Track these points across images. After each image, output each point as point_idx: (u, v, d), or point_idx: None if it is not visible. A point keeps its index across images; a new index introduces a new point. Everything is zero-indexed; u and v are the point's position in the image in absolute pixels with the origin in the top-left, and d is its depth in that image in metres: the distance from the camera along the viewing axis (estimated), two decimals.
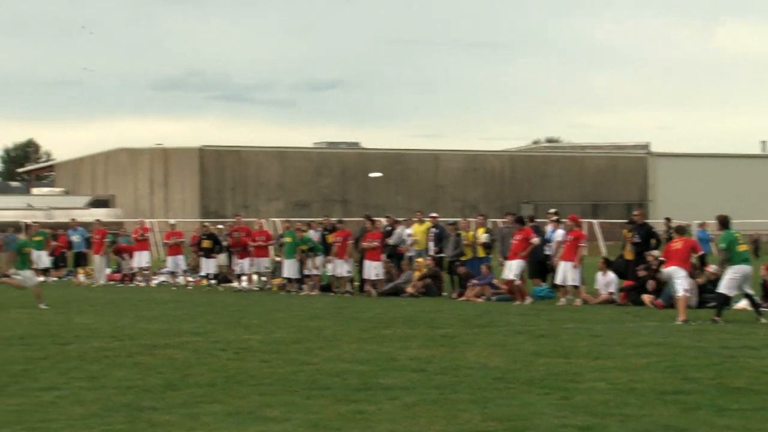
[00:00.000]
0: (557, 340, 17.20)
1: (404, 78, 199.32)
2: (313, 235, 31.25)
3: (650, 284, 24.28)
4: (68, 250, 39.75)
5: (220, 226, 36.85)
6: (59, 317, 22.01)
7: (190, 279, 35.18)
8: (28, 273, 25.51)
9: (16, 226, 48.74)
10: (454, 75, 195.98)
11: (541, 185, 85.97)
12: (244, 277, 33.06)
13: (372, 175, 76.90)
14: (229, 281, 34.05)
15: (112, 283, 36.37)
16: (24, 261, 25.61)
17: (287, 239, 31.54)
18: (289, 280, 31.24)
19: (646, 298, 24.20)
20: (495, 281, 27.31)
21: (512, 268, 25.83)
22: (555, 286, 26.39)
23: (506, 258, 26.85)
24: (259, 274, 33.16)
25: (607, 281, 25.97)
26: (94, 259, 37.54)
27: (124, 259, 37.64)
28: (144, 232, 37.02)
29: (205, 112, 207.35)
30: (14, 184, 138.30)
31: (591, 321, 20.78)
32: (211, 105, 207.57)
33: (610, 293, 25.68)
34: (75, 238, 39.09)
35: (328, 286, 30.85)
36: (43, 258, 38.43)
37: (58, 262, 39.56)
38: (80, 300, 27.74)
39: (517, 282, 25.91)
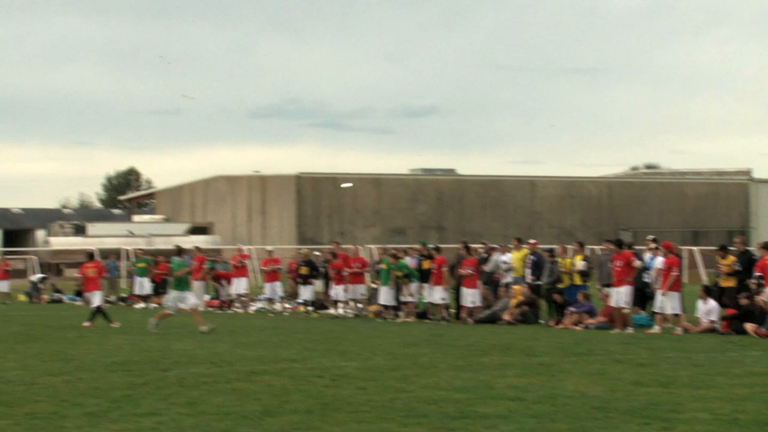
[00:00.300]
0: (658, 369, 16.93)
1: (501, 104, 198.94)
2: (410, 261, 31.25)
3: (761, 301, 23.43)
4: (170, 277, 40.27)
5: (317, 253, 37.07)
6: (159, 343, 22.29)
7: (287, 305, 35.40)
8: (187, 294, 25.92)
9: (118, 253, 49.68)
10: (551, 101, 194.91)
11: (640, 212, 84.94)
12: (340, 304, 33.16)
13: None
14: (326, 307, 34.19)
15: (210, 309, 36.76)
16: (183, 282, 26.00)
17: (383, 266, 31.61)
18: (386, 307, 31.26)
19: (750, 326, 23.71)
20: (593, 319, 26.91)
21: (621, 296, 25.47)
22: (655, 314, 25.99)
23: (606, 285, 26.60)
24: (355, 301, 33.24)
25: (708, 309, 25.50)
26: (193, 286, 37.96)
27: (223, 286, 38.05)
28: (242, 258, 37.41)
29: (302, 139, 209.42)
30: (116, 211, 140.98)
31: (692, 350, 20.41)
32: (308, 132, 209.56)
33: (712, 321, 25.21)
34: None
35: (424, 313, 30.81)
36: (145, 284, 39.10)
37: (159, 288, 40.14)
38: (180, 326, 28.05)
39: (627, 310, 25.58)
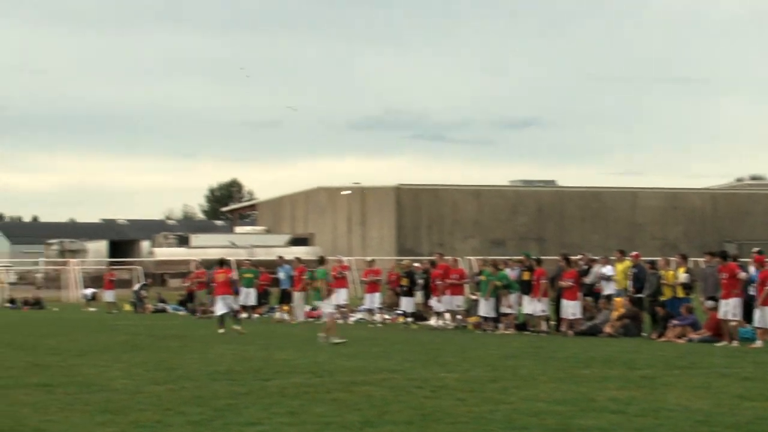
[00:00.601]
0: (764, 384, 16.59)
1: (603, 115, 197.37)
2: (510, 273, 31.10)
3: None
4: (274, 287, 40.67)
5: (416, 264, 37.09)
6: (261, 353, 22.50)
7: (386, 316, 35.46)
8: (323, 304, 26.26)
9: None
10: (655, 111, 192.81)
11: (745, 223, 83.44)
12: (441, 315, 33.10)
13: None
14: (425, 319, 34.17)
15: (310, 320, 36.99)
16: (319, 292, 26.39)
17: (482, 277, 31.51)
18: (485, 318, 31.14)
19: None
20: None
21: (730, 308, 25.01)
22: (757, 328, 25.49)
23: (710, 298, 26.18)
24: (453, 313, 33.12)
25: None
26: (293, 296, 38.26)
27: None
28: (342, 269, 37.54)
29: (402, 151, 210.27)
30: (218, 222, 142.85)
31: None
32: (408, 144, 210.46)
33: None
34: (281, 275, 39.91)
35: (523, 324, 30.63)
36: (251, 295, 39.43)
37: (261, 299, 40.51)
38: (281, 336, 28.33)
39: (734, 323, 25.13)
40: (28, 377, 17.84)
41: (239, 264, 45.29)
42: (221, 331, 28.32)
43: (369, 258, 43.17)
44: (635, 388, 15.91)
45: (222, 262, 31.73)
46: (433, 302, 33.29)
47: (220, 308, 29.84)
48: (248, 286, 39.82)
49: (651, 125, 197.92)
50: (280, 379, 17.39)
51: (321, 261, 28.24)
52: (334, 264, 39.64)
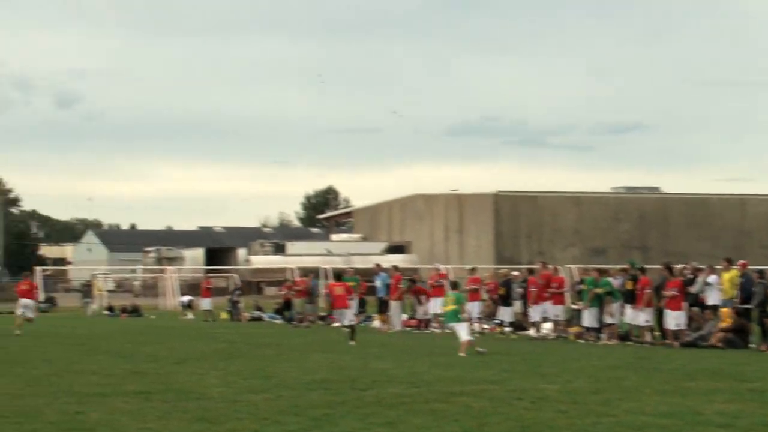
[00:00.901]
0: None
1: (708, 120, 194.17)
2: (614, 282, 30.53)
3: None
4: (370, 296, 40.54)
5: (515, 273, 36.67)
6: (358, 362, 22.35)
7: (485, 326, 35.11)
8: (460, 326, 25.60)
9: (317, 272, 50.23)
10: (762, 116, 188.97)
11: None
12: (545, 325, 32.64)
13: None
14: (525, 328, 33.75)
15: (408, 329, 36.80)
16: (455, 313, 25.46)
17: (584, 286, 31.00)
18: (587, 328, 30.60)
19: None
20: None
21: None
22: None
23: None
24: (555, 323, 32.63)
25: None
26: (390, 305, 38.06)
27: (422, 303, 37.94)
28: (440, 278, 37.28)
29: (500, 157, 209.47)
30: (314, 230, 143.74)
31: None
32: (506, 150, 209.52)
33: None
34: (378, 283, 39.75)
35: (626, 335, 30.05)
36: (353, 304, 39.40)
37: (359, 307, 40.40)
38: (378, 345, 28.15)
39: None
40: (126, 385, 17.92)
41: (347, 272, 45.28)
42: (352, 343, 28.01)
43: (469, 266, 42.81)
44: (744, 402, 15.44)
45: (339, 276, 31.95)
46: (532, 311, 32.88)
47: (346, 321, 29.78)
48: None
49: (758, 130, 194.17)
50: (377, 388, 17.19)
51: (455, 285, 27.84)
52: (431, 272, 39.44)
